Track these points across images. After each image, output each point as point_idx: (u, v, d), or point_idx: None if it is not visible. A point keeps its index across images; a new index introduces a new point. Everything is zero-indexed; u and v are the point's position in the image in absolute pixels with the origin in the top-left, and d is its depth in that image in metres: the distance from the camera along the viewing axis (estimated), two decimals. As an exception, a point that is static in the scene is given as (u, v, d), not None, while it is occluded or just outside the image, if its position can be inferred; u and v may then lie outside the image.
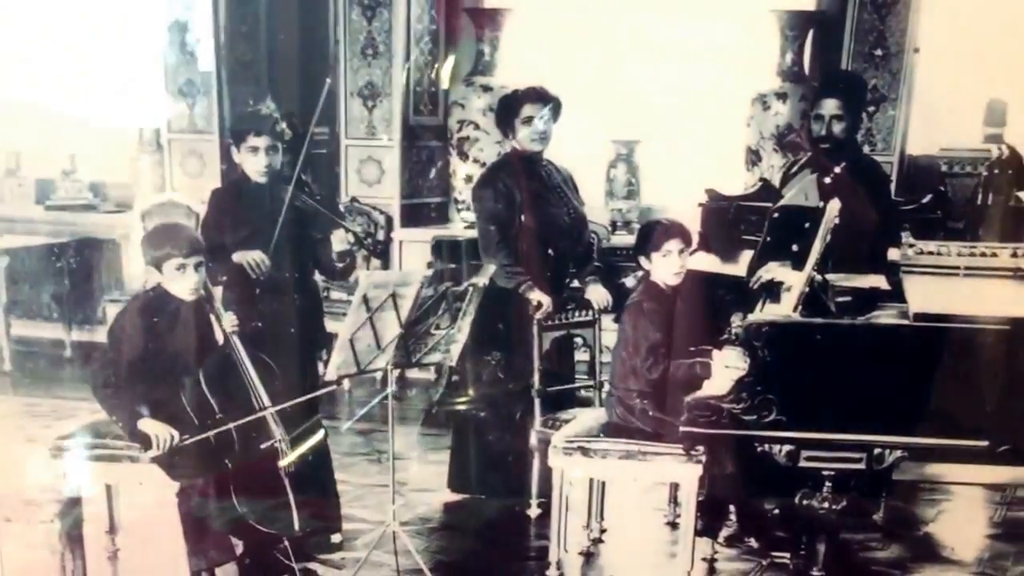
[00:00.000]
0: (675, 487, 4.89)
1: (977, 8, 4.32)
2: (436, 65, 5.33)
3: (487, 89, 5.29)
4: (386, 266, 5.36)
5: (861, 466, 4.07)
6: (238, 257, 4.64)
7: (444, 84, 5.03)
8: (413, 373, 5.20)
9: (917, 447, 4.05)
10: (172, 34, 5.12)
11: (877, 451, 4.05)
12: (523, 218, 4.87)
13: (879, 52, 4.80)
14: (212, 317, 4.43)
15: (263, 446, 4.41)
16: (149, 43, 4.92)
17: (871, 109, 4.82)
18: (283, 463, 4.37)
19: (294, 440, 4.48)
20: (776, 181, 4.82)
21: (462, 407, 5.10)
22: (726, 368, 4.10)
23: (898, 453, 4.07)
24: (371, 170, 5.35)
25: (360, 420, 5.19)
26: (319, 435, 4.64)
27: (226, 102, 5.18)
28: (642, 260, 4.50)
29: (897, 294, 4.38)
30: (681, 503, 4.49)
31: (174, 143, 5.28)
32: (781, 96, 4.89)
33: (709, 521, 4.62)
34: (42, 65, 4.54)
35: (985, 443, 3.94)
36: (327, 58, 5.22)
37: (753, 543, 4.76)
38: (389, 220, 5.38)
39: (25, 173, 5.15)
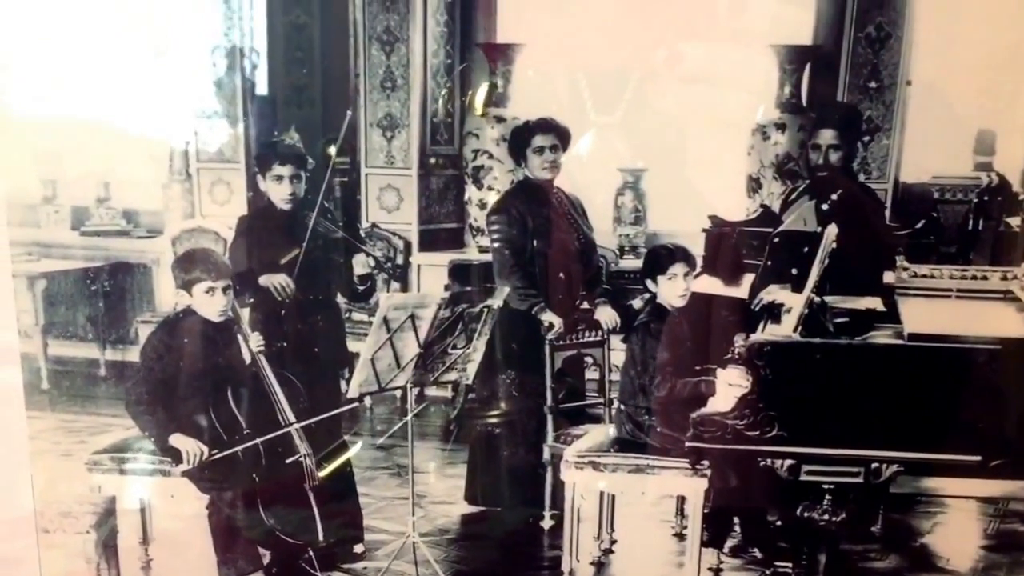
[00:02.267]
0: (682, 500, 4.96)
1: (967, 43, 4.43)
2: (457, 97, 5.43)
3: (500, 120, 5.37)
4: (405, 289, 5.44)
5: (859, 480, 4.18)
6: (264, 280, 4.79)
7: (478, 111, 5.14)
8: (431, 391, 5.28)
9: (913, 461, 4.17)
10: (200, 69, 5.24)
11: (875, 465, 4.16)
12: (535, 243, 4.99)
13: (873, 85, 4.89)
14: (239, 337, 4.57)
15: (288, 461, 4.55)
16: (178, 78, 5.04)
17: (866, 139, 4.90)
18: (317, 473, 4.52)
19: (324, 455, 4.63)
20: (776, 207, 4.87)
21: (478, 423, 5.23)
22: (729, 386, 4.21)
23: (895, 467, 4.17)
24: (390, 197, 5.46)
25: (381, 436, 5.28)
26: (346, 450, 4.79)
27: (252, 133, 5.29)
28: (649, 283, 4.64)
29: (892, 315, 4.48)
30: (688, 515, 4.57)
31: (203, 172, 5.39)
32: (780, 127, 4.98)
33: (715, 532, 4.74)
34: (76, 97, 4.67)
35: (978, 458, 4.05)
36: (348, 91, 5.33)
37: (757, 554, 4.86)
38: (408, 245, 5.47)
39: (61, 201, 5.26)
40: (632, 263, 5.24)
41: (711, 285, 4.86)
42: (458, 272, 5.33)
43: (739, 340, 4.29)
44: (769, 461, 4.22)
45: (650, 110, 4.68)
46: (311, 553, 4.62)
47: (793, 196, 4.84)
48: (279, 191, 4.79)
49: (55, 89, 4.57)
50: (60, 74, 4.56)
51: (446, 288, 5.24)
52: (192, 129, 5.32)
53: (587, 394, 5.25)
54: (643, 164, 5.25)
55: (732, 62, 4.56)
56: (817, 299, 4.43)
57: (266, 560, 4.59)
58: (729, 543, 4.86)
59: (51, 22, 4.42)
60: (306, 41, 5.14)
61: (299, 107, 5.16)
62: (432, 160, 5.57)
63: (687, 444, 4.29)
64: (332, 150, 4.89)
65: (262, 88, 5.30)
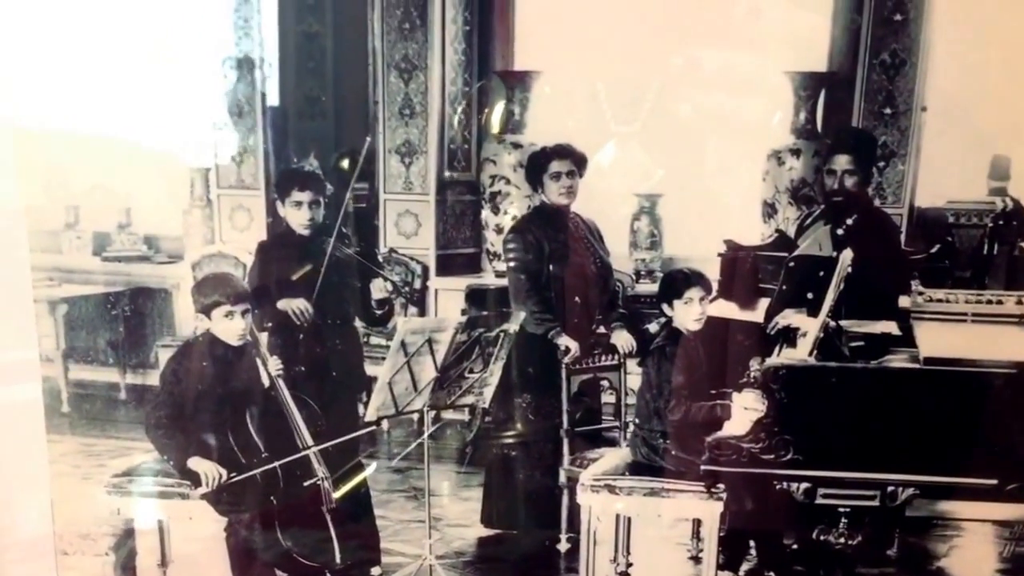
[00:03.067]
0: (698, 523, 4.94)
1: (981, 70, 4.45)
2: (474, 123, 5.47)
3: (517, 146, 5.39)
4: (422, 313, 5.47)
5: (875, 503, 4.20)
6: (283, 305, 4.83)
7: (495, 129, 5.17)
8: (448, 414, 5.30)
9: (929, 485, 4.19)
10: (219, 97, 5.29)
11: (890, 489, 4.18)
12: (552, 268, 5.02)
13: (888, 111, 4.91)
14: (258, 361, 4.60)
15: (306, 483, 4.58)
16: (199, 104, 5.09)
17: (881, 164, 4.91)
18: (334, 496, 4.54)
19: (342, 478, 4.65)
20: (791, 232, 4.88)
21: (495, 446, 5.24)
22: (745, 409, 4.24)
23: (911, 491, 4.19)
24: (408, 223, 5.49)
25: (397, 459, 5.30)
26: (363, 473, 4.81)
27: (272, 160, 5.34)
28: (665, 307, 4.66)
29: (908, 339, 4.50)
30: (704, 538, 4.58)
31: (223, 198, 5.44)
32: (795, 152, 5.00)
33: (730, 555, 4.76)
34: (99, 124, 4.71)
35: (994, 481, 4.08)
36: (367, 118, 5.37)
37: (772, 576, 4.89)
38: (425, 270, 5.50)
39: (83, 226, 5.30)
40: (648, 287, 5.25)
41: (727, 309, 4.87)
42: (475, 296, 5.35)
43: (755, 364, 4.31)
44: (785, 484, 4.25)
45: (665, 135, 4.70)
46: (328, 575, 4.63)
47: (808, 221, 4.84)
48: (298, 217, 4.84)
49: (77, 116, 4.61)
50: (82, 101, 4.61)
51: (463, 312, 5.26)
52: (213, 155, 5.36)
53: (603, 417, 5.26)
54: (659, 189, 5.27)
55: (747, 88, 4.58)
56: (832, 323, 4.45)
57: (284, 582, 4.60)
58: (745, 566, 4.85)
59: (72, 48, 4.47)
60: (318, 51, 5.16)
61: (312, 119, 5.18)
62: (450, 185, 5.59)
63: (703, 467, 4.32)
64: (345, 163, 4.93)
65: (273, 98, 5.35)
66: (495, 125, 5.17)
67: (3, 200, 4.42)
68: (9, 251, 4.51)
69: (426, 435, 4.67)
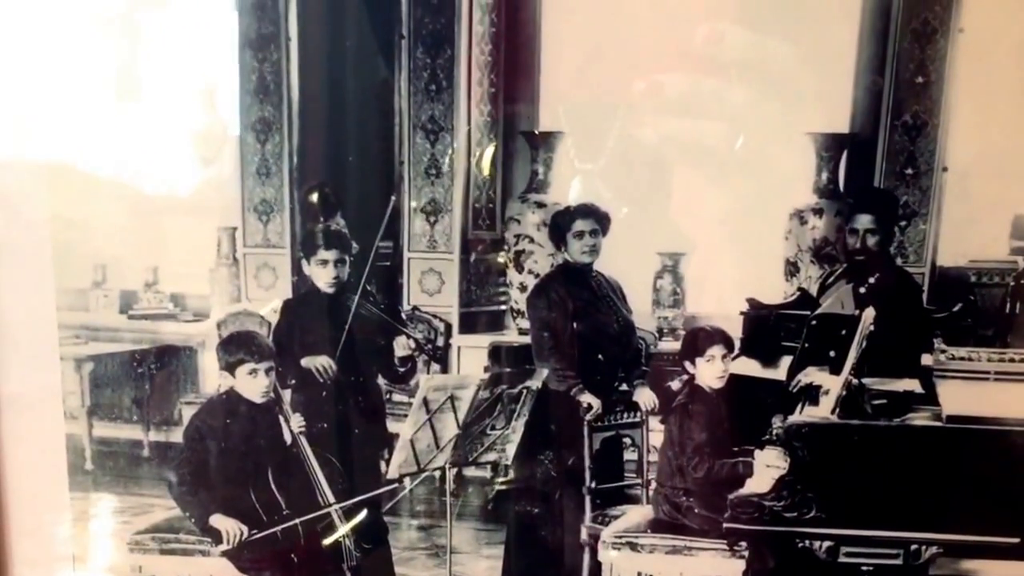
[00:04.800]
0: None
1: (1002, 131, 4.46)
2: (499, 183, 5.51)
3: (541, 206, 5.42)
4: (445, 370, 5.46)
5: (898, 561, 4.17)
6: (306, 362, 4.87)
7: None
8: (470, 471, 5.30)
9: (952, 543, 4.16)
10: (247, 158, 5.35)
11: (914, 547, 4.15)
12: (574, 325, 5.02)
13: (910, 171, 4.93)
14: (281, 418, 4.63)
15: (327, 541, 4.59)
16: (227, 165, 5.15)
17: (903, 223, 4.92)
18: (357, 555, 4.54)
19: (363, 535, 4.65)
20: (814, 291, 4.88)
21: (516, 503, 5.20)
22: (767, 467, 4.24)
23: (934, 549, 4.16)
24: (432, 281, 5.51)
25: (419, 516, 5.29)
26: (385, 531, 4.81)
27: (297, 219, 5.39)
28: (687, 365, 4.67)
29: (931, 397, 4.50)
30: None
31: (249, 257, 5.48)
32: (817, 211, 5.01)
33: (753, 615, 4.76)
34: (128, 185, 4.78)
35: (1016, 540, 4.05)
36: (392, 177, 5.42)
37: (795, 635, 4.84)
38: (448, 327, 5.50)
39: (111, 285, 5.34)
40: (670, 345, 5.25)
41: (749, 367, 4.86)
42: (498, 354, 5.36)
43: (777, 421, 4.33)
44: (807, 542, 4.23)
45: (688, 196, 4.73)
46: (349, 633, 4.62)
47: (830, 280, 4.86)
48: (323, 275, 4.89)
49: (107, 176, 4.68)
50: (111, 164, 4.68)
51: (486, 369, 5.26)
52: (239, 214, 5.42)
53: (625, 475, 5.22)
54: (682, 248, 5.29)
55: (770, 149, 4.61)
56: (855, 381, 4.45)
57: (304, 640, 4.58)
58: (768, 626, 4.80)
59: (104, 114, 4.56)
60: (343, 112, 5.20)
61: (343, 194, 5.22)
62: (474, 243, 5.62)
63: (725, 525, 4.31)
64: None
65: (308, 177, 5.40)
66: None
67: (34, 259, 4.49)
68: (37, 309, 4.56)
69: (448, 492, 4.68)
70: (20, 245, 4.43)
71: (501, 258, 5.38)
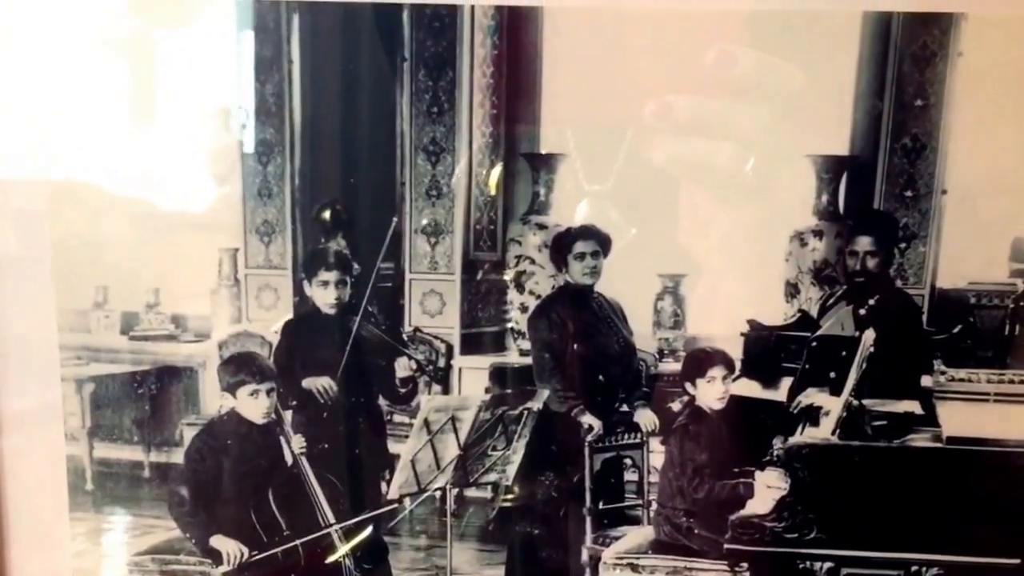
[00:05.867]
0: None
1: (1001, 154, 4.47)
2: (500, 204, 5.50)
3: (542, 227, 5.42)
4: (446, 391, 5.46)
5: (899, 583, 4.20)
6: (307, 383, 4.89)
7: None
8: (471, 492, 5.29)
9: (953, 564, 4.16)
10: (248, 180, 5.35)
11: (914, 568, 4.17)
12: (575, 346, 5.04)
13: (909, 193, 4.93)
14: (282, 439, 4.65)
15: (328, 561, 4.59)
16: (228, 186, 5.15)
17: (902, 246, 4.92)
18: (355, 573, 4.54)
19: (364, 556, 4.65)
20: (814, 312, 4.90)
21: (517, 524, 5.20)
22: (768, 488, 4.25)
23: (934, 570, 4.18)
24: (433, 302, 5.51)
25: (419, 536, 5.28)
26: (386, 551, 4.81)
27: (299, 240, 5.39)
28: (688, 386, 4.70)
29: (931, 419, 4.52)
30: None
31: (250, 278, 5.48)
32: (817, 233, 5.02)
33: (754, 636, 4.76)
34: (130, 205, 4.78)
35: (1017, 561, 4.08)
36: (394, 199, 5.42)
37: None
38: (450, 348, 5.51)
39: (112, 306, 5.33)
40: (671, 366, 5.24)
41: (750, 388, 4.88)
42: (499, 375, 5.36)
43: (777, 442, 4.34)
44: (808, 563, 4.24)
45: (689, 217, 4.74)
46: (349, 654, 4.61)
47: (831, 301, 4.88)
48: (325, 296, 4.92)
49: (108, 196, 4.68)
50: (113, 183, 4.69)
51: (487, 390, 5.26)
52: (241, 235, 5.42)
53: (626, 496, 5.23)
54: (682, 270, 5.30)
55: (770, 171, 4.63)
56: (855, 402, 4.48)
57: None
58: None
59: (108, 137, 4.57)
60: (346, 134, 5.20)
61: (344, 215, 5.22)
62: (475, 265, 5.62)
63: (725, 546, 4.32)
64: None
65: (310, 197, 5.40)
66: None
67: (37, 278, 4.50)
68: (39, 329, 4.57)
69: (449, 513, 4.69)
70: (25, 264, 4.44)
71: (508, 275, 5.38)
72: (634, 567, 4.56)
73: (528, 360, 5.25)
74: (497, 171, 5.30)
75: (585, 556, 5.01)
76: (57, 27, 4.24)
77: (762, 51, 4.35)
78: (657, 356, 5.49)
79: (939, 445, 4.30)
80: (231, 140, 4.93)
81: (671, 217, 4.80)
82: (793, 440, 4.36)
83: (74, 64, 4.33)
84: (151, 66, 4.53)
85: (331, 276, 4.91)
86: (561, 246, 5.09)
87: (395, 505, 4.87)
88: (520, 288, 5.45)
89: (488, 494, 5.41)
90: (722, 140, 4.54)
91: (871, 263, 4.75)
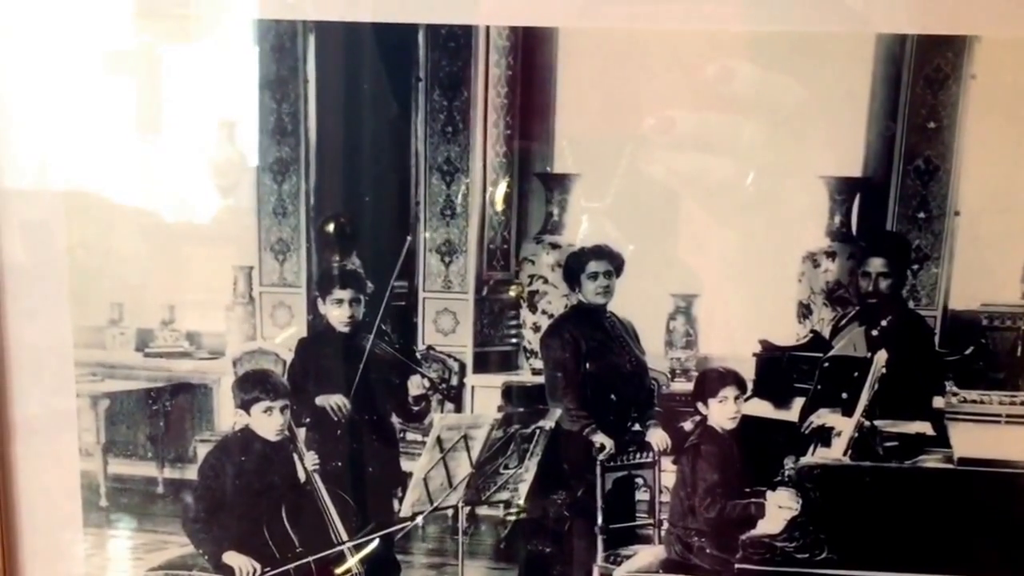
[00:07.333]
0: None
1: (1014, 176, 4.49)
2: (513, 224, 5.51)
3: (555, 247, 5.43)
4: (459, 410, 5.46)
5: (910, 604, 4.19)
6: (321, 401, 4.90)
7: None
8: (483, 510, 5.29)
9: (963, 585, 4.19)
10: (263, 198, 5.37)
11: (925, 589, 4.19)
12: (588, 366, 5.06)
13: (922, 215, 4.94)
14: (295, 456, 4.67)
15: (340, 578, 4.61)
16: (243, 204, 5.18)
17: (915, 267, 4.92)
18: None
19: (376, 574, 4.66)
20: (826, 333, 4.91)
21: (529, 542, 5.20)
22: (779, 508, 4.27)
23: (946, 591, 4.20)
24: (446, 320, 5.53)
25: (432, 555, 5.28)
26: (398, 570, 4.81)
27: (314, 259, 5.41)
28: (699, 406, 4.71)
29: (942, 440, 4.53)
30: None
31: (265, 295, 5.50)
32: (830, 255, 5.02)
33: (764, 657, 4.75)
34: (146, 224, 4.81)
35: (1028, 582, 4.07)
36: (408, 218, 5.44)
37: None
38: (463, 367, 5.51)
39: (127, 323, 5.35)
40: (683, 386, 5.24)
41: (761, 408, 4.88)
42: (511, 393, 5.37)
43: (789, 463, 4.35)
44: (819, 584, 4.24)
45: (702, 238, 4.75)
46: (360, 672, 4.62)
47: (843, 322, 4.89)
48: (338, 314, 4.95)
49: (124, 214, 4.71)
50: (128, 202, 4.71)
51: (499, 409, 5.27)
52: (256, 254, 5.44)
53: (637, 515, 5.24)
54: (695, 290, 5.30)
55: (783, 193, 4.64)
56: (867, 423, 4.48)
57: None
58: (780, 668, 4.79)
59: (119, 154, 4.60)
60: (359, 154, 5.21)
61: (359, 233, 5.24)
62: (488, 284, 5.63)
63: (736, 566, 4.33)
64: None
65: (325, 216, 5.42)
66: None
67: (53, 294, 4.52)
68: (54, 346, 4.59)
69: (461, 531, 4.70)
70: (40, 277, 4.46)
71: (513, 292, 5.39)
72: (645, 586, 4.58)
73: (540, 379, 5.27)
74: (502, 188, 5.31)
75: (596, 574, 5.02)
76: (74, 42, 4.27)
77: (778, 72, 4.36)
78: (669, 376, 5.50)
79: (950, 466, 4.30)
80: (251, 158, 4.96)
81: (684, 237, 4.81)
82: (805, 460, 4.37)
83: (89, 81, 4.36)
84: (167, 83, 4.56)
85: (345, 294, 4.93)
86: (574, 266, 5.10)
87: (407, 523, 4.88)
88: (532, 308, 5.47)
89: (500, 512, 5.43)
90: (737, 161, 4.56)
91: (883, 284, 4.77)
